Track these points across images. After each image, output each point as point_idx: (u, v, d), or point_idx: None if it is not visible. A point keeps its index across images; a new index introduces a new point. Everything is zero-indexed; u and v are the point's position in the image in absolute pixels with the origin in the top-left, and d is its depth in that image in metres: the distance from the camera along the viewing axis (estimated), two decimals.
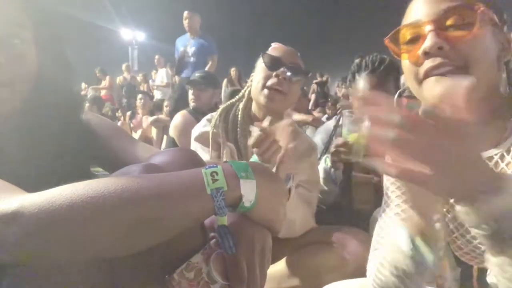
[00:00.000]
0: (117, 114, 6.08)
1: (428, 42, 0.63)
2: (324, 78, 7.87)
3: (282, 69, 1.28)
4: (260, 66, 1.33)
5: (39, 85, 0.71)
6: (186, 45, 4.58)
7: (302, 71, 1.34)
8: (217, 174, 0.55)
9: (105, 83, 7.46)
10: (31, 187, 0.51)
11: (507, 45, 0.68)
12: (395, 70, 1.55)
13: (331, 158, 1.43)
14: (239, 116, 1.37)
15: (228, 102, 1.43)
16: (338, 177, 1.49)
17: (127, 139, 0.85)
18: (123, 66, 8.18)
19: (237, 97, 1.44)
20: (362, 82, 1.53)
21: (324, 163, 1.48)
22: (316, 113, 5.30)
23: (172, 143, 2.72)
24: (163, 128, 4.17)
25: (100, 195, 0.48)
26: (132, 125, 5.13)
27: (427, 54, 0.63)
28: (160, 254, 0.55)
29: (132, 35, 15.03)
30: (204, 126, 1.41)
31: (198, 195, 0.54)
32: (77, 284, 0.53)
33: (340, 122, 1.60)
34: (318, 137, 1.71)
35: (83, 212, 0.47)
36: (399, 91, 0.83)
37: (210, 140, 1.33)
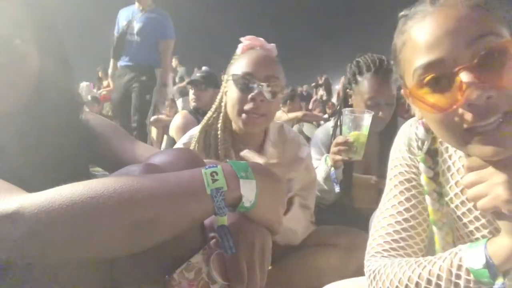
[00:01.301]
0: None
1: (474, 95, 0.53)
2: (322, 80, 7.90)
3: (256, 91, 1.11)
4: (232, 85, 1.16)
5: (40, 85, 0.71)
6: (131, 19, 3.29)
7: (280, 88, 1.16)
8: (217, 174, 0.55)
9: (106, 82, 7.44)
10: (31, 187, 0.51)
11: None
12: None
13: (331, 157, 1.42)
14: (219, 135, 1.22)
15: (205, 121, 1.27)
16: (338, 176, 1.48)
17: (127, 139, 0.85)
18: None
19: (210, 113, 1.28)
20: (366, 83, 1.52)
21: (324, 163, 1.48)
22: (316, 112, 5.31)
23: (172, 143, 2.72)
24: (163, 128, 4.17)
25: (100, 195, 0.48)
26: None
27: (471, 106, 0.54)
28: (160, 254, 0.55)
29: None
30: (185, 143, 1.29)
31: (198, 195, 0.54)
32: (77, 284, 0.53)
33: (340, 122, 1.60)
34: (319, 137, 1.71)
35: (83, 212, 0.47)
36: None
37: None
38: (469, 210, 0.69)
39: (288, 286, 1.35)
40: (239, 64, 1.17)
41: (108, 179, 0.52)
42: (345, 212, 1.57)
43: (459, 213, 0.71)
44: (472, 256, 0.57)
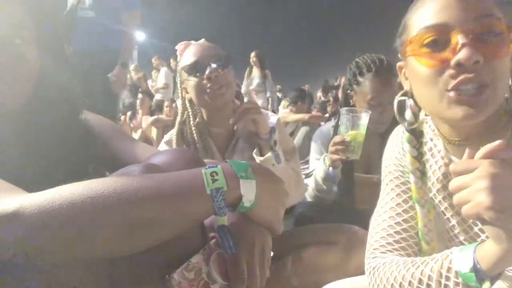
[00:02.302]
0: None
1: (464, 55, 0.59)
2: (337, 82, 7.93)
3: (207, 71, 1.25)
4: (188, 80, 1.31)
5: (40, 85, 0.71)
6: None
7: (224, 58, 1.30)
8: (217, 174, 0.55)
9: None
10: (31, 187, 0.51)
11: None
12: (393, 68, 1.55)
13: (329, 157, 1.42)
14: (194, 132, 1.36)
15: (177, 124, 1.41)
16: (336, 176, 1.49)
17: (126, 139, 0.85)
18: (132, 67, 8.15)
19: (179, 117, 1.41)
20: (368, 84, 1.52)
21: (322, 162, 1.48)
22: (314, 112, 5.30)
23: None
24: (163, 128, 4.17)
25: (100, 195, 0.48)
26: (132, 125, 5.12)
27: (460, 66, 0.60)
28: (160, 254, 0.55)
29: (134, 45, 14.99)
30: (166, 142, 1.42)
31: (198, 195, 0.54)
32: (77, 284, 0.53)
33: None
34: (318, 137, 1.71)
35: (82, 212, 0.47)
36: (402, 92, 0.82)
37: None
38: (450, 205, 0.74)
39: (288, 284, 1.35)
40: (184, 60, 1.32)
41: (108, 179, 0.52)
42: (345, 212, 1.57)
43: (442, 208, 0.75)
44: (461, 259, 0.58)
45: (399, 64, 0.75)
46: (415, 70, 0.67)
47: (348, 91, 1.62)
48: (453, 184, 0.55)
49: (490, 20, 0.61)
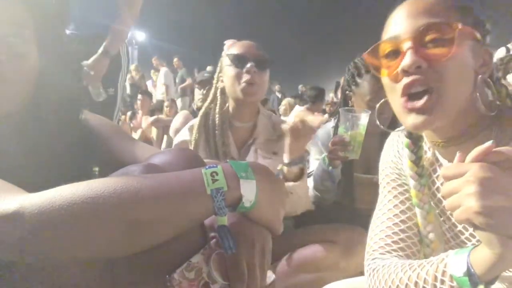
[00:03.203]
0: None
1: (406, 61, 0.63)
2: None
3: (249, 64, 1.35)
4: (228, 67, 1.40)
5: (40, 84, 0.71)
6: None
7: (266, 61, 1.41)
8: (217, 174, 0.55)
9: None
10: (31, 187, 0.51)
11: (488, 59, 0.68)
12: None
13: (328, 156, 1.43)
14: (217, 119, 1.44)
15: (203, 109, 1.49)
16: (336, 175, 1.49)
17: (126, 139, 0.85)
18: (132, 67, 8.15)
19: (208, 100, 1.50)
20: (366, 85, 1.52)
21: (323, 162, 1.48)
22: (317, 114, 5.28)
23: (173, 143, 2.73)
24: (163, 128, 4.17)
25: (100, 195, 0.48)
26: (132, 125, 5.12)
27: (405, 72, 0.64)
28: (160, 254, 0.55)
29: (132, 35, 15.04)
30: (184, 135, 1.48)
31: (198, 195, 0.54)
32: (77, 284, 0.53)
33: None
34: (318, 138, 1.70)
35: (83, 212, 0.47)
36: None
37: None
38: (441, 210, 0.74)
39: (288, 283, 1.35)
40: (232, 50, 1.42)
41: (108, 179, 0.52)
42: (345, 212, 1.57)
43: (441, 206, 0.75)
44: (456, 263, 0.58)
45: (371, 64, 0.78)
46: (382, 80, 0.71)
47: (347, 92, 1.62)
48: (445, 188, 0.55)
49: (436, 26, 0.64)
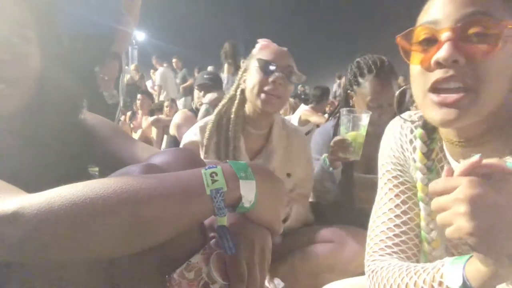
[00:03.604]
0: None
1: (443, 53, 0.57)
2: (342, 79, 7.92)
3: (277, 74, 1.29)
4: (254, 70, 1.33)
5: (41, 85, 0.71)
6: None
7: (295, 75, 1.35)
8: (216, 174, 0.55)
9: None
10: (31, 187, 0.51)
11: None
12: (394, 69, 1.56)
13: (329, 157, 1.43)
14: (232, 119, 1.38)
15: (220, 106, 1.44)
16: (336, 176, 1.49)
17: (126, 139, 0.85)
18: (132, 66, 8.15)
19: (225, 100, 1.45)
20: (368, 85, 1.52)
21: (323, 163, 1.48)
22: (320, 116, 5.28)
23: (172, 143, 2.73)
24: (163, 128, 4.17)
25: (100, 195, 0.48)
26: (132, 125, 5.12)
27: (439, 64, 0.59)
28: (160, 254, 0.55)
29: (132, 35, 15.00)
30: (195, 134, 1.42)
31: (198, 195, 0.54)
32: (77, 284, 0.53)
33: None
34: (319, 137, 1.70)
35: (82, 212, 0.47)
36: (401, 89, 0.82)
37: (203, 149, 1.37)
38: None
39: (288, 283, 1.35)
40: (263, 54, 1.34)
41: (107, 180, 0.52)
42: (345, 212, 1.57)
43: None
44: (452, 274, 0.56)
45: (402, 48, 0.72)
46: (410, 68, 0.66)
47: (349, 91, 1.62)
48: (434, 204, 0.53)
49: (482, 19, 0.57)
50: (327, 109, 5.48)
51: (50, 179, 0.52)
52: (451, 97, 0.58)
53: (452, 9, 0.59)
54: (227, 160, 0.61)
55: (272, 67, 1.30)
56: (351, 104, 1.60)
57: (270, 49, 1.36)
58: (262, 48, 1.37)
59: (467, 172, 0.50)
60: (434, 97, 0.60)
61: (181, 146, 1.44)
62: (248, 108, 1.40)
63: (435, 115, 0.60)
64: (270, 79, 1.29)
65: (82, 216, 0.47)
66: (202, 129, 1.41)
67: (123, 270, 0.54)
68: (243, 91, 1.40)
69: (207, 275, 0.57)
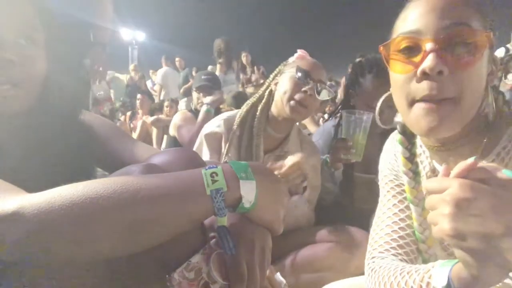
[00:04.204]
0: (116, 115, 6.08)
1: (429, 63, 0.59)
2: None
3: (311, 85, 1.33)
4: (289, 76, 1.37)
5: (46, 86, 0.72)
6: None
7: (326, 90, 1.38)
8: (216, 175, 0.55)
9: None
10: (31, 187, 0.51)
11: (495, 67, 0.66)
12: None
13: (330, 158, 1.43)
14: (257, 117, 1.42)
15: (250, 103, 1.47)
16: (337, 177, 1.49)
17: (126, 139, 0.85)
18: (131, 66, 8.14)
19: (256, 95, 1.48)
20: (369, 85, 1.52)
21: (324, 164, 1.48)
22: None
23: (172, 143, 2.73)
24: (163, 128, 4.17)
25: (100, 195, 0.48)
26: (132, 125, 5.12)
27: (425, 75, 0.60)
28: (160, 254, 0.55)
29: (132, 35, 15.02)
30: (217, 126, 1.44)
31: (198, 195, 0.54)
32: (77, 284, 0.53)
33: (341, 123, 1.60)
34: (319, 137, 1.71)
35: (82, 212, 0.47)
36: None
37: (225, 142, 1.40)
38: None
39: (289, 284, 1.35)
40: (301, 63, 1.38)
41: (108, 180, 0.52)
42: (345, 212, 1.57)
43: None
44: (439, 275, 0.57)
45: (384, 55, 0.72)
46: (391, 76, 0.67)
47: (350, 90, 1.62)
48: (426, 203, 0.53)
49: (463, 30, 0.59)
50: (326, 109, 5.48)
51: (50, 179, 0.52)
52: (435, 106, 0.60)
53: (432, 19, 0.61)
54: (227, 161, 0.61)
55: (307, 77, 1.34)
56: (352, 104, 1.60)
57: (309, 60, 1.41)
58: (301, 58, 1.42)
59: (462, 175, 0.50)
60: (420, 106, 0.62)
61: (202, 135, 1.45)
62: (273, 110, 1.43)
63: (422, 123, 0.62)
64: (303, 89, 1.32)
65: (82, 216, 0.47)
66: (226, 122, 1.43)
67: (123, 270, 0.54)
68: (271, 93, 1.43)
69: (207, 275, 0.57)
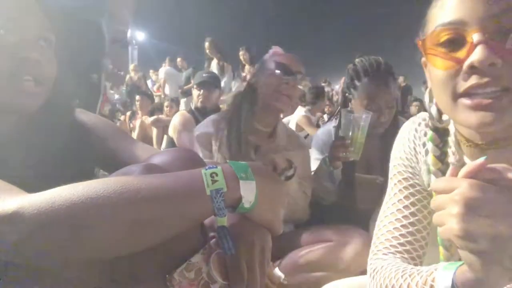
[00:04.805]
0: (116, 115, 6.08)
1: (478, 56, 0.53)
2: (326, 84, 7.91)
3: (291, 77, 1.42)
4: (270, 72, 1.44)
5: (54, 87, 0.73)
6: None
7: (304, 80, 1.50)
8: (216, 175, 0.55)
9: None
10: (31, 187, 0.51)
11: None
12: (392, 69, 1.55)
13: (329, 158, 1.43)
14: (242, 114, 1.46)
15: (234, 102, 1.52)
16: (337, 176, 1.49)
17: (126, 139, 0.85)
18: (131, 66, 8.14)
19: (239, 94, 1.53)
20: (365, 88, 1.52)
21: (323, 163, 1.49)
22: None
23: (172, 143, 2.72)
24: (163, 128, 4.17)
25: (100, 195, 0.48)
26: (131, 125, 5.12)
27: (473, 68, 0.54)
28: (160, 254, 0.55)
29: (132, 35, 15.02)
30: (206, 127, 1.50)
31: (198, 196, 0.54)
32: (77, 284, 0.53)
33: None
34: (320, 137, 1.71)
35: (82, 212, 0.47)
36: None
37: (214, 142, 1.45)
38: None
39: (289, 283, 1.35)
40: (279, 58, 1.47)
41: (108, 180, 0.52)
42: (345, 212, 1.57)
43: None
44: (443, 278, 0.56)
45: (423, 59, 0.68)
46: (431, 71, 0.62)
47: (347, 94, 1.62)
48: (433, 202, 0.52)
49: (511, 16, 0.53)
50: (326, 109, 5.49)
51: (50, 179, 0.52)
52: (487, 100, 0.54)
53: (478, 6, 0.54)
54: (228, 161, 0.61)
55: (288, 70, 1.43)
56: (349, 107, 1.60)
57: (286, 55, 1.50)
58: (277, 54, 1.50)
59: (471, 175, 0.48)
60: (467, 101, 0.56)
61: (195, 135, 1.52)
62: (258, 105, 1.47)
63: (471, 119, 0.56)
64: (286, 81, 1.41)
65: (82, 216, 0.47)
66: (215, 122, 1.50)
67: (123, 269, 0.54)
68: (253, 88, 1.48)
69: (207, 275, 0.57)
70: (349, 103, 1.61)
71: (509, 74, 0.53)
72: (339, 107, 1.70)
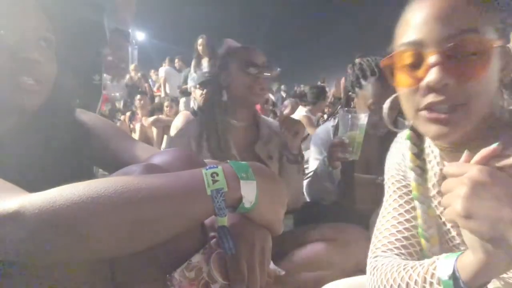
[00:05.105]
0: (117, 115, 6.07)
1: (433, 77, 0.57)
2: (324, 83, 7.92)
3: (260, 70, 1.42)
4: (238, 70, 1.43)
5: (54, 86, 0.74)
6: None
7: (273, 69, 1.49)
8: (217, 175, 0.55)
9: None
10: (32, 187, 0.51)
11: (509, 61, 0.62)
12: None
13: (328, 158, 1.43)
14: (216, 112, 1.46)
15: (201, 104, 1.59)
16: (335, 176, 1.49)
17: (127, 139, 0.85)
18: (131, 66, 8.13)
19: (204, 95, 1.58)
20: (371, 88, 1.51)
21: (323, 163, 1.49)
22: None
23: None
24: (163, 128, 4.17)
25: (101, 195, 0.48)
26: (131, 126, 5.12)
27: (430, 88, 0.58)
28: (160, 254, 0.55)
29: (132, 35, 14.99)
30: (182, 136, 1.49)
31: (198, 195, 0.54)
32: (77, 284, 0.53)
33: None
34: (319, 137, 1.71)
35: (83, 212, 0.47)
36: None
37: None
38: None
39: (289, 283, 1.35)
40: (243, 55, 1.45)
41: (108, 179, 0.52)
42: (345, 212, 1.57)
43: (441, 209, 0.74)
44: (444, 266, 0.58)
45: (385, 64, 0.71)
46: (396, 84, 0.66)
47: (350, 93, 1.61)
48: (443, 185, 0.55)
49: (468, 37, 0.56)
50: (326, 109, 5.48)
51: (50, 179, 0.52)
52: (443, 115, 0.59)
53: (436, 27, 0.58)
54: (228, 161, 0.61)
55: (255, 65, 1.42)
56: (352, 106, 1.60)
57: (247, 49, 1.48)
58: (233, 47, 1.51)
59: (484, 161, 0.51)
60: (426, 113, 0.61)
61: (171, 135, 1.52)
62: (228, 101, 1.46)
63: (430, 130, 0.62)
64: (256, 75, 1.41)
65: (83, 215, 0.47)
66: (191, 128, 1.48)
67: (123, 269, 0.55)
68: (221, 87, 1.46)
69: (207, 275, 0.57)
70: (352, 102, 1.60)
71: (464, 92, 0.57)
72: (339, 106, 1.69)
